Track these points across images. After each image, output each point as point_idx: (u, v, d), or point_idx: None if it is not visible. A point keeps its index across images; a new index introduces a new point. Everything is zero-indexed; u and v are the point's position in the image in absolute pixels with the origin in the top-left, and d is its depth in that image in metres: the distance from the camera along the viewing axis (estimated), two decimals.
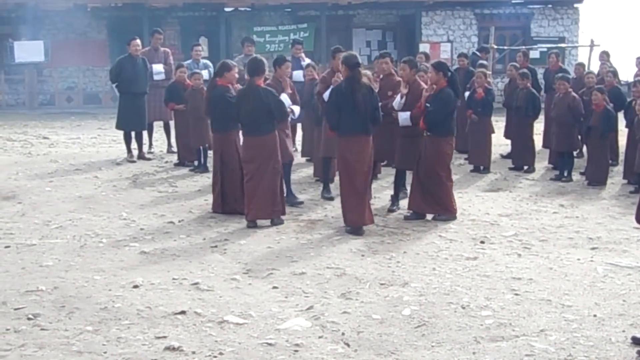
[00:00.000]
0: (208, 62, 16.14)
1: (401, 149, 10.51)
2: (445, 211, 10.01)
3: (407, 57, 11.61)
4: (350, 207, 9.33)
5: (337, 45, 12.43)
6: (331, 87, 10.04)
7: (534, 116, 13.72)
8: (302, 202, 10.91)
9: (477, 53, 18.16)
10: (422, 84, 10.73)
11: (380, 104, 9.77)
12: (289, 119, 10.94)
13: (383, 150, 10.56)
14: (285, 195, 10.75)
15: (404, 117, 10.31)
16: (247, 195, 9.68)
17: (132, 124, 14.30)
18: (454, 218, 10.01)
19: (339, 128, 9.34)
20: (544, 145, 14.79)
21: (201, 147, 13.21)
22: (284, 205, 9.90)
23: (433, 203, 10.01)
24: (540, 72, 17.76)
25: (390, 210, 10.53)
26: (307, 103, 12.08)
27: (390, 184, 11.50)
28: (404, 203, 10.58)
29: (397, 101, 10.38)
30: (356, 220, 9.35)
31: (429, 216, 10.06)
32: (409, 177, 10.76)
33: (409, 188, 10.60)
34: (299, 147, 14.49)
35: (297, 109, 11.15)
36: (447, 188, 10.04)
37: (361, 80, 9.34)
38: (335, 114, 9.31)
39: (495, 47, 22.10)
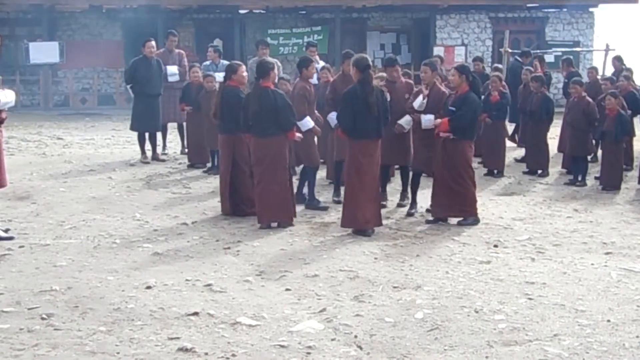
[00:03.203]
0: (227, 63, 16.12)
1: (418, 152, 10.54)
2: (470, 215, 9.97)
3: (428, 59, 11.62)
4: (359, 209, 9.30)
5: (347, 50, 12.39)
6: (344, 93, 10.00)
7: (548, 120, 13.67)
8: (326, 208, 10.76)
9: (519, 58, 18.01)
10: (442, 87, 10.74)
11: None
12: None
13: (394, 153, 10.54)
14: (307, 199, 10.76)
15: (427, 119, 10.31)
16: (258, 198, 9.68)
17: (146, 125, 14.34)
18: (478, 221, 9.97)
19: (352, 131, 9.31)
20: (559, 150, 14.76)
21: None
22: (294, 208, 9.88)
23: (457, 208, 9.95)
24: (555, 76, 17.76)
25: (410, 214, 10.50)
26: (322, 106, 12.05)
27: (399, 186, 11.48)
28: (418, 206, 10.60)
29: (419, 101, 10.35)
30: (365, 222, 9.34)
31: (452, 220, 10.03)
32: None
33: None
34: None
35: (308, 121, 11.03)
36: (473, 191, 9.98)
37: (372, 82, 9.33)
38: (350, 117, 9.28)
39: (510, 51, 22.03)
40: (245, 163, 10.19)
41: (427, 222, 10.08)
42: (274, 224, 9.64)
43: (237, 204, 10.24)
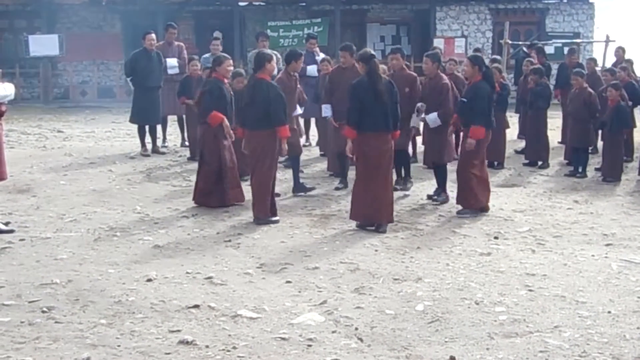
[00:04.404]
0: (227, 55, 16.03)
1: (430, 144, 10.62)
2: (469, 206, 9.97)
3: (431, 51, 11.65)
4: (367, 204, 9.24)
5: (345, 43, 12.35)
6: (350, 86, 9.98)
7: (546, 106, 13.66)
8: (313, 188, 11.06)
9: (525, 50, 18.01)
10: (444, 77, 10.76)
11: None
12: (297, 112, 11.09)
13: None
14: (293, 186, 10.88)
15: (432, 118, 10.48)
16: (252, 192, 9.65)
17: (146, 118, 14.34)
18: (475, 215, 9.96)
19: (360, 125, 9.11)
20: (562, 141, 14.77)
21: None
22: (273, 205, 9.70)
23: (461, 198, 10.03)
24: (554, 67, 17.73)
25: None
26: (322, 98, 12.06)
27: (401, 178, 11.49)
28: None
29: (433, 119, 10.46)
30: (372, 216, 9.29)
31: (452, 211, 10.08)
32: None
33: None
34: (313, 142, 14.51)
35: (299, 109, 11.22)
36: (475, 183, 9.94)
37: (379, 70, 9.25)
38: (357, 111, 9.06)
39: (510, 42, 22.02)
40: (211, 156, 10.23)
41: (429, 196, 10.59)
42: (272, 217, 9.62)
43: (200, 194, 10.35)
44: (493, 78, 10.44)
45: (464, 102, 9.92)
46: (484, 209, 10.07)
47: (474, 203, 9.99)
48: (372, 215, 9.26)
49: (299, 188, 10.99)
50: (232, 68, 10.70)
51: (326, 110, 11.14)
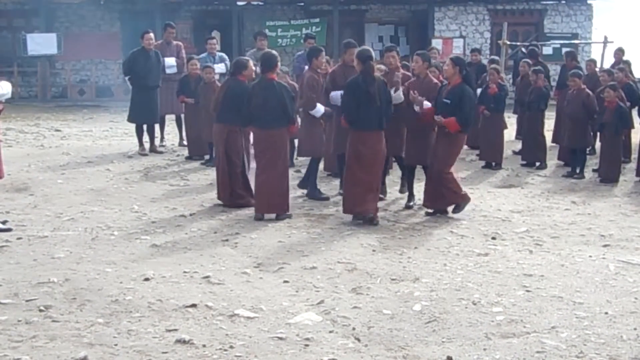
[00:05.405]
0: (224, 55, 16.03)
1: (410, 146, 10.50)
2: (458, 199, 9.92)
3: (422, 50, 11.59)
4: (358, 198, 9.31)
5: (348, 39, 12.33)
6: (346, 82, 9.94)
7: (544, 108, 13.67)
8: (328, 198, 10.87)
9: (524, 50, 18.07)
10: (433, 78, 10.71)
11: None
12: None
13: (390, 145, 10.48)
14: (308, 190, 10.83)
15: (424, 103, 10.20)
16: (256, 189, 9.70)
17: (144, 117, 14.33)
18: (468, 200, 9.95)
19: (354, 122, 9.30)
20: (553, 141, 14.77)
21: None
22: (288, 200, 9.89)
23: (443, 197, 9.94)
24: (553, 68, 17.74)
25: (408, 207, 10.47)
26: None
27: (399, 178, 11.46)
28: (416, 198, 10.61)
29: (398, 95, 10.31)
30: (362, 210, 9.37)
31: (449, 210, 10.04)
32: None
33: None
34: None
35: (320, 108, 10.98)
36: (449, 177, 9.85)
37: (373, 73, 9.32)
38: (354, 108, 9.26)
39: (508, 43, 22.02)
40: (237, 156, 10.21)
41: (427, 214, 10.07)
42: (270, 216, 9.63)
43: (231, 194, 10.28)
44: (473, 82, 10.38)
45: (447, 104, 9.77)
46: (465, 196, 10.04)
47: (461, 196, 9.94)
48: (363, 210, 9.39)
49: (314, 193, 10.91)
50: (254, 68, 10.73)
51: (337, 98, 10.92)
